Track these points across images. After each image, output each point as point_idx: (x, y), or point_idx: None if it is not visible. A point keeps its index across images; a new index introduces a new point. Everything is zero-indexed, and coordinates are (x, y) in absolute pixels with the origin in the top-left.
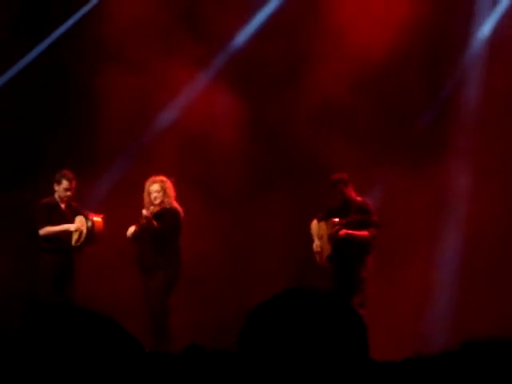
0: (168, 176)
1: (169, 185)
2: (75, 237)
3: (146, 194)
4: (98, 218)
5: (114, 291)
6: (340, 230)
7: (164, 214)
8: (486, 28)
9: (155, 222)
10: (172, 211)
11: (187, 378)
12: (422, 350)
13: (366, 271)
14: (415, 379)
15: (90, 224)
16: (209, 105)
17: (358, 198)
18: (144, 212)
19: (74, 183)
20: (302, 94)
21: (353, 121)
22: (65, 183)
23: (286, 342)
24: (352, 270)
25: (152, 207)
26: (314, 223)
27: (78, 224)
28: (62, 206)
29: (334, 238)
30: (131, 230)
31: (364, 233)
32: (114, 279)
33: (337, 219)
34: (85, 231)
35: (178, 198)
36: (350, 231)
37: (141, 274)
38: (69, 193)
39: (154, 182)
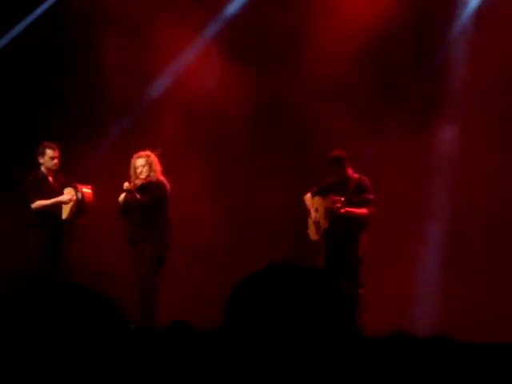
0: (155, 149)
1: (154, 159)
2: (66, 210)
3: (132, 170)
4: (87, 190)
5: (102, 264)
6: (341, 207)
7: (149, 187)
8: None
9: (138, 195)
10: (157, 184)
11: (171, 353)
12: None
13: (361, 249)
14: (398, 356)
15: (79, 196)
16: (209, 71)
17: (355, 175)
18: (125, 185)
19: (57, 151)
20: (300, 64)
21: (349, 92)
22: (49, 152)
23: (270, 318)
24: (347, 247)
25: (137, 180)
26: (308, 196)
27: (69, 196)
28: (50, 178)
29: (332, 214)
30: (122, 197)
31: (363, 210)
32: (104, 252)
33: (337, 197)
34: (75, 203)
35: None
36: (351, 209)
37: (129, 247)
38: (55, 160)
39: (139, 157)
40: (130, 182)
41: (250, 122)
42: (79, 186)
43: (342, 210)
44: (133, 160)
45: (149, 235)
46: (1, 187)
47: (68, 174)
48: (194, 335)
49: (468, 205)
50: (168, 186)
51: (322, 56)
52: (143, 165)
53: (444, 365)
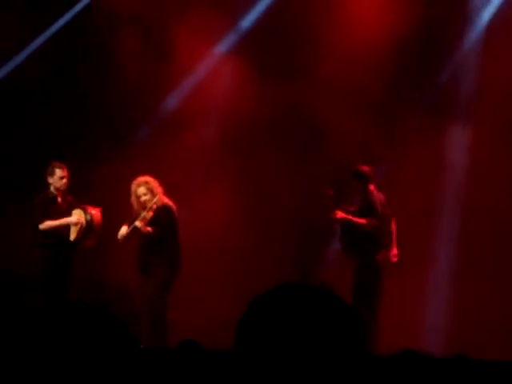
0: (153, 177)
1: (154, 183)
2: (74, 231)
3: (133, 197)
4: (96, 212)
5: (111, 286)
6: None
7: (158, 216)
8: (485, 14)
9: (150, 229)
10: (164, 210)
11: (180, 373)
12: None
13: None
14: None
15: (88, 218)
16: (225, 75)
17: (373, 195)
18: (137, 224)
19: (66, 171)
20: (314, 69)
21: (363, 97)
22: (58, 172)
23: (281, 339)
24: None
25: (144, 213)
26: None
27: (77, 217)
28: (59, 199)
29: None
30: (123, 231)
31: (361, 220)
32: (113, 273)
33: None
34: (84, 225)
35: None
36: (346, 216)
37: (138, 271)
38: (64, 180)
39: (139, 185)
40: (135, 212)
41: (267, 126)
42: (88, 208)
43: (338, 216)
44: (133, 187)
45: (159, 260)
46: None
47: (80, 192)
48: (203, 355)
49: (479, 207)
50: (174, 207)
51: (336, 63)
52: (145, 193)
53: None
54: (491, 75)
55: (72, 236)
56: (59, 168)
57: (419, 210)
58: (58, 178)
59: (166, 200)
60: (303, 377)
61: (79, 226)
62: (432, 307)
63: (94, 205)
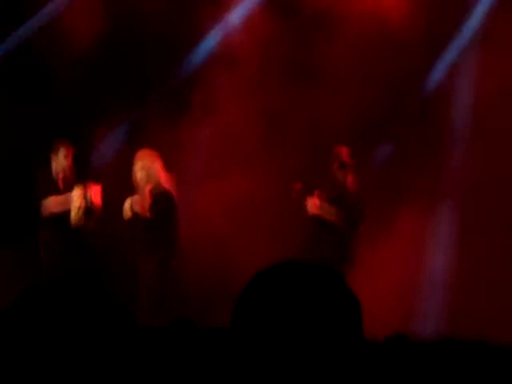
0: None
1: (152, 162)
2: (74, 212)
3: (133, 172)
4: (96, 189)
5: (111, 264)
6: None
7: (155, 203)
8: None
9: (148, 214)
10: (162, 196)
11: (172, 351)
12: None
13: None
14: (397, 360)
15: (88, 198)
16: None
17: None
18: (136, 208)
19: (71, 150)
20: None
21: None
22: (63, 150)
23: (279, 319)
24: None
25: (144, 197)
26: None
27: (77, 198)
28: (60, 175)
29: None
30: (127, 208)
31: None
32: (112, 251)
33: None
34: (83, 205)
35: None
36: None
37: (137, 251)
38: (68, 159)
39: (136, 161)
40: (136, 188)
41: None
42: (88, 186)
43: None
44: (134, 161)
45: (157, 241)
46: None
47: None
48: (196, 333)
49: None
50: (172, 191)
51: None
52: (141, 178)
53: (449, 368)
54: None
55: (73, 218)
56: (64, 147)
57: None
58: (62, 156)
59: (164, 179)
60: (298, 355)
61: (79, 203)
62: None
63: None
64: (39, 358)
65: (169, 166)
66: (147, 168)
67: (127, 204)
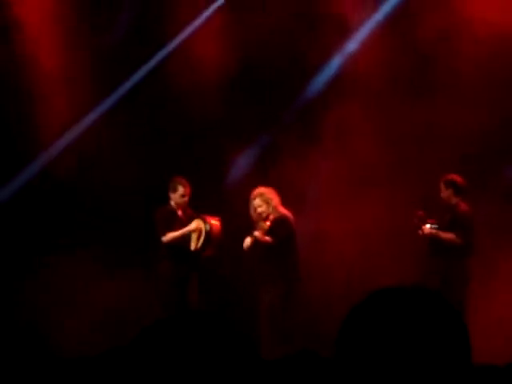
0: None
1: (269, 195)
2: (194, 241)
3: (251, 210)
4: (215, 221)
5: (233, 295)
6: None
7: (275, 227)
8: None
9: (268, 238)
10: (281, 221)
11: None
12: None
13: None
14: None
15: (207, 227)
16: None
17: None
18: (256, 234)
19: (188, 188)
20: None
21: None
22: (180, 189)
23: (383, 345)
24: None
25: (262, 223)
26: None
27: (196, 224)
28: (179, 212)
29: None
30: (247, 241)
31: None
32: (229, 285)
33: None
34: (203, 234)
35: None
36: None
37: (257, 285)
38: (185, 198)
39: (254, 198)
40: (255, 223)
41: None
42: (207, 218)
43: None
44: (250, 200)
45: (276, 271)
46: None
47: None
48: (321, 363)
49: None
50: (291, 218)
51: None
52: (260, 205)
53: None
54: None
55: (192, 245)
56: (181, 185)
57: None
58: (179, 195)
59: (283, 211)
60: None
61: (198, 233)
62: None
63: (214, 215)
64: None
65: (298, 190)
66: (268, 201)
67: (248, 238)
